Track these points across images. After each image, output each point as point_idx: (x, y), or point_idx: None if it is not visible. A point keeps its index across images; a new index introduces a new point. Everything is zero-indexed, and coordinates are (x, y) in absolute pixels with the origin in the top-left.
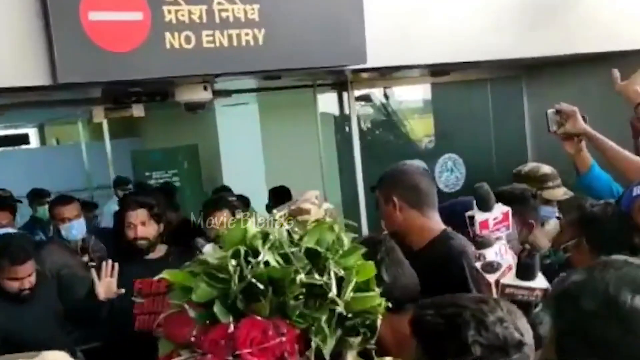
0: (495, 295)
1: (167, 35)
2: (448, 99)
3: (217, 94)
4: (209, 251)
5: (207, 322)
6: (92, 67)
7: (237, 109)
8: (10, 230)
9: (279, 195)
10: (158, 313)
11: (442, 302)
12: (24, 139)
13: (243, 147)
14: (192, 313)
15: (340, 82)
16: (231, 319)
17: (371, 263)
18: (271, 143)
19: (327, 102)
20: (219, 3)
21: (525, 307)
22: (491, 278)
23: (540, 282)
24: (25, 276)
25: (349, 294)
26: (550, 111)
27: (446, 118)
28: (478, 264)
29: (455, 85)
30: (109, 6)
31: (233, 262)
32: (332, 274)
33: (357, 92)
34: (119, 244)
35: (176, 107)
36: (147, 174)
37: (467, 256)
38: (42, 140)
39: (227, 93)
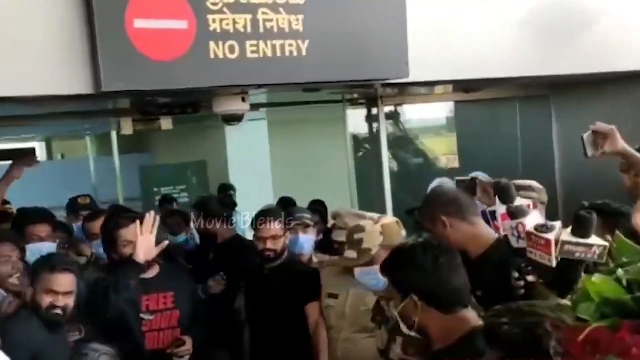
0: (554, 254)
1: (212, 44)
2: (472, 118)
3: None
4: None
5: None
6: (136, 75)
7: (246, 126)
8: None
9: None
10: (165, 329)
11: (518, 310)
12: (30, 153)
13: (251, 163)
14: None
15: (369, 97)
16: None
17: None
18: (279, 160)
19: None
20: (264, 12)
21: (577, 265)
22: (550, 236)
23: (597, 239)
24: (62, 292)
25: None
26: (586, 135)
27: (470, 136)
28: (529, 228)
29: (479, 103)
30: (155, 14)
31: None
32: None
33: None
34: (113, 264)
35: (185, 123)
36: (155, 189)
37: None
38: (49, 154)
39: (255, 106)
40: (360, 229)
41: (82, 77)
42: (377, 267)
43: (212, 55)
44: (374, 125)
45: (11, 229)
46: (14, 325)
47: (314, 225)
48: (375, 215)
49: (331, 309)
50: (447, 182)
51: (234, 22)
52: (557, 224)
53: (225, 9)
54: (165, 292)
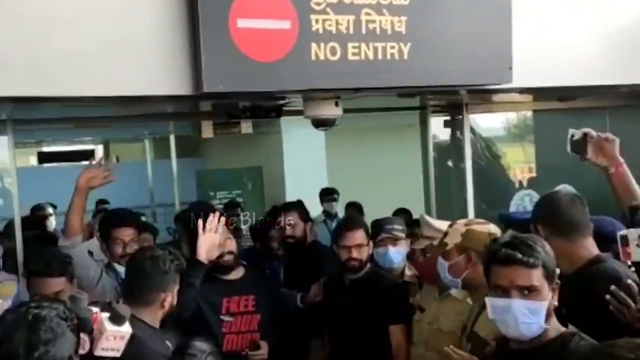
0: None
1: (313, 45)
2: (554, 127)
3: None
4: None
5: None
6: (238, 76)
7: (303, 132)
8: None
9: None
10: (245, 332)
11: (598, 352)
12: (89, 155)
13: (307, 170)
14: None
15: (453, 104)
16: None
17: None
18: (336, 167)
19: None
20: (367, 13)
21: None
22: None
23: None
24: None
25: None
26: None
27: (551, 146)
28: None
29: (560, 112)
30: (258, 14)
31: None
32: None
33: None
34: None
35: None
36: (211, 193)
37: (617, 282)
38: (106, 157)
39: None
40: (452, 224)
41: (184, 79)
42: (447, 264)
43: (313, 57)
44: (453, 133)
45: (99, 232)
46: None
47: (405, 237)
48: (479, 221)
49: (416, 323)
50: (565, 192)
51: (337, 23)
52: None
53: (328, 9)
54: (247, 296)
